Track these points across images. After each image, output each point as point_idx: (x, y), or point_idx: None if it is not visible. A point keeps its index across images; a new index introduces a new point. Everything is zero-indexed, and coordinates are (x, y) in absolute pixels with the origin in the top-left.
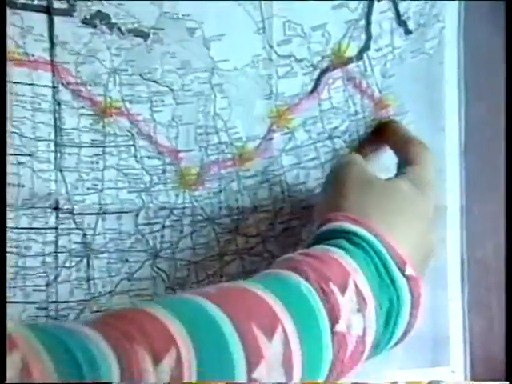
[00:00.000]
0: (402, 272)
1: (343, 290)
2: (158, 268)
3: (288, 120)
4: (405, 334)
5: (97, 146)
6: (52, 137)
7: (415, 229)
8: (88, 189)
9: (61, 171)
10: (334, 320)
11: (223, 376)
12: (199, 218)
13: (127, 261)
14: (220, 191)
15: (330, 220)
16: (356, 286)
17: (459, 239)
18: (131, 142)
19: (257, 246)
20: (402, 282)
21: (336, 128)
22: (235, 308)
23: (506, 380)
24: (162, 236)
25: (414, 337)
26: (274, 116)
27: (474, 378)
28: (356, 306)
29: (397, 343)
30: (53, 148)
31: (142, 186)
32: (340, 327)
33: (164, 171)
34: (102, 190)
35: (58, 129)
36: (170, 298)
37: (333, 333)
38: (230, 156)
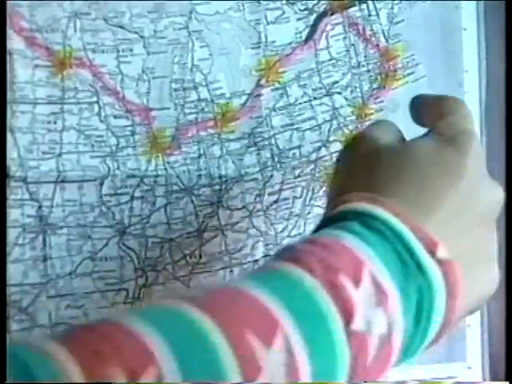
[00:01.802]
0: (432, 255)
1: (357, 282)
2: (126, 246)
3: (279, 73)
4: (442, 331)
5: (54, 103)
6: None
7: (450, 193)
8: (44, 153)
9: (12, 132)
10: (347, 318)
11: None
12: (174, 187)
13: (90, 238)
14: (199, 157)
15: (340, 202)
16: (373, 276)
17: None
18: (94, 99)
19: (242, 220)
20: (432, 267)
21: (335, 83)
22: (225, 314)
23: (506, 380)
24: (131, 209)
25: None
26: (263, 68)
27: (492, 376)
28: (374, 299)
29: (432, 343)
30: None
31: (108, 150)
32: (356, 325)
33: (133, 133)
34: (60, 155)
35: (9, 83)
36: (149, 308)
37: (348, 333)
38: (210, 115)
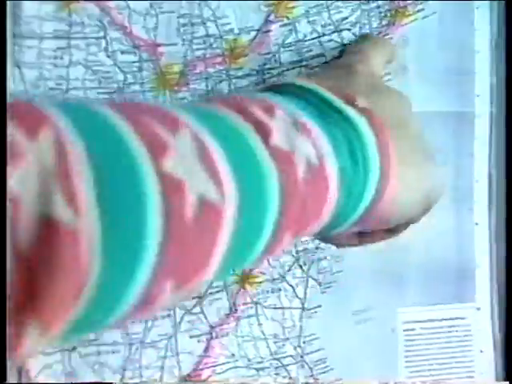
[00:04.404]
0: (352, 104)
1: (269, 111)
2: None
3: (288, 9)
4: (380, 186)
5: (61, 38)
6: (8, 26)
7: (390, 90)
8: (51, 89)
9: (18, 67)
10: (264, 135)
11: (124, 169)
12: None
13: None
14: (207, 93)
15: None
16: (285, 111)
17: (487, 152)
18: (102, 34)
19: None
20: (352, 112)
21: (345, 19)
22: (135, 114)
23: (506, 380)
24: None
25: (433, 267)
26: (272, 4)
27: (501, 318)
28: (293, 126)
29: (375, 198)
30: (9, 40)
31: (115, 85)
32: (275, 141)
33: (140, 69)
34: (67, 91)
35: (15, 16)
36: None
37: (268, 147)
38: (219, 51)
